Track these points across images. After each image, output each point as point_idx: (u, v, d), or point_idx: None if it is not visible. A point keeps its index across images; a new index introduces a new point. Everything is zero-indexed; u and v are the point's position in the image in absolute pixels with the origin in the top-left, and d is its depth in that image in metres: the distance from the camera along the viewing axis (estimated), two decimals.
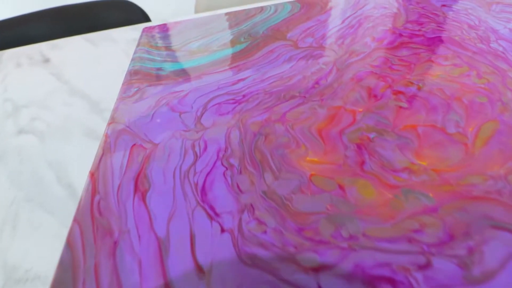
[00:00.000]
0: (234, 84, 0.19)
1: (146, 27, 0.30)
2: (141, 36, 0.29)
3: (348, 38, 0.22)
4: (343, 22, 0.25)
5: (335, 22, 0.25)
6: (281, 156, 0.14)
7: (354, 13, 0.26)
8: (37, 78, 0.35)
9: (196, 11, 0.54)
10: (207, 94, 0.18)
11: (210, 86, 0.19)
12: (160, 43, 0.26)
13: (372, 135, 0.14)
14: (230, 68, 0.20)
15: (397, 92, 0.16)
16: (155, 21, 0.46)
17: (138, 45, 0.26)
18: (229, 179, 0.13)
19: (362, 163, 0.13)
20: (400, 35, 0.21)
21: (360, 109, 0.16)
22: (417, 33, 0.22)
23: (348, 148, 0.13)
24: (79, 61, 0.37)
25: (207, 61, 0.22)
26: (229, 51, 0.22)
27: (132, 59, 0.24)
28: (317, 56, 0.20)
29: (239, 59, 0.21)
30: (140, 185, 0.13)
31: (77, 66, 0.36)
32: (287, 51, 0.21)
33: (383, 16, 0.26)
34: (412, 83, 0.17)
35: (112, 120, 0.17)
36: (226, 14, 0.30)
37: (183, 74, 0.20)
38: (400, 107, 0.15)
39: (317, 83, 0.18)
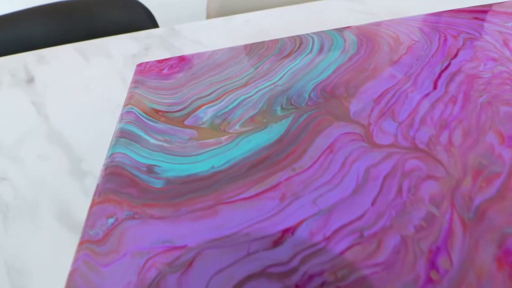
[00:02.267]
0: (277, 244, 0.10)
1: (140, 65, 0.23)
2: (133, 78, 0.22)
3: (456, 128, 0.13)
4: (435, 85, 0.16)
5: (421, 83, 0.16)
6: None
7: (447, 67, 0.17)
8: (16, 108, 0.29)
9: (208, 16, 0.47)
10: (226, 268, 0.10)
11: (233, 248, 0.10)
12: (155, 103, 0.17)
13: None
14: (264, 194, 0.12)
15: None
16: (162, 24, 0.39)
17: (127, 101, 0.18)
18: None
19: None
20: None
21: None
22: None
23: None
24: (66, 84, 0.31)
25: (222, 163, 0.13)
26: (255, 144, 0.14)
27: (120, 120, 0.17)
28: (415, 178, 0.11)
29: (273, 168, 0.13)
30: None
31: (62, 92, 0.30)
32: (357, 154, 0.13)
33: (498, 77, 0.16)
34: None
35: None
36: (247, 48, 0.23)
37: (184, 196, 0.12)
38: None
39: (432, 264, 0.09)
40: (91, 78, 0.32)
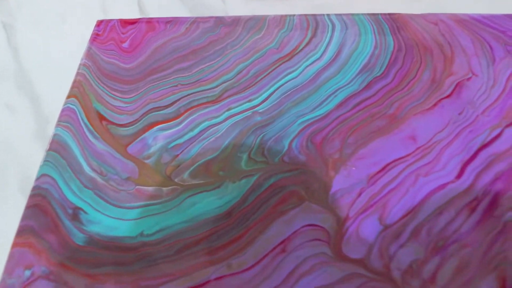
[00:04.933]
0: None
1: (99, 24, 0.16)
2: (87, 47, 0.16)
3: (454, 256, 0.10)
4: (461, 171, 0.11)
5: (446, 161, 0.11)
6: None
7: (492, 141, 0.12)
8: None
9: None
10: None
11: None
12: (102, 104, 0.14)
13: None
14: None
15: None
16: None
17: (72, 88, 0.14)
18: None
19: None
20: None
21: None
22: None
23: None
24: (42, 9, 0.25)
25: (154, 232, 0.11)
26: (199, 211, 0.11)
27: (59, 118, 0.14)
28: None
29: (207, 257, 0.10)
30: None
31: (37, 21, 0.25)
32: (311, 265, 0.10)
33: None
34: None
35: None
36: (237, 26, 0.15)
37: (102, 267, 0.10)
38: None
39: None
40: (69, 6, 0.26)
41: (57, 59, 0.24)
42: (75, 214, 0.13)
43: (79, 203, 0.13)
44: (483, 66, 0.15)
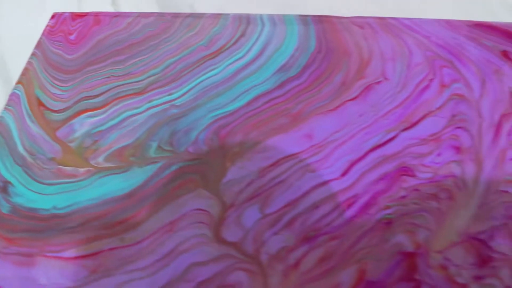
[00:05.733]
0: None
1: (53, 17, 0.18)
2: (39, 38, 0.17)
3: (321, 246, 0.11)
4: (346, 170, 0.12)
5: (335, 159, 0.13)
6: None
7: (385, 143, 0.13)
8: None
9: None
10: None
11: None
12: (43, 91, 0.15)
13: None
14: (80, 261, 0.11)
15: None
16: None
17: (21, 75, 0.16)
18: None
19: None
20: None
21: None
22: None
23: None
24: None
25: (65, 206, 0.12)
26: (107, 190, 0.13)
27: (8, 101, 0.15)
28: None
29: (105, 230, 0.12)
30: None
31: (14, 11, 0.26)
32: (191, 244, 0.12)
33: (434, 184, 0.12)
34: None
35: None
36: (175, 23, 0.16)
37: (17, 233, 0.12)
38: None
39: None
40: None
41: (29, 47, 0.26)
42: (5, 187, 0.14)
43: (10, 178, 0.15)
44: (397, 71, 0.16)
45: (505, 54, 0.16)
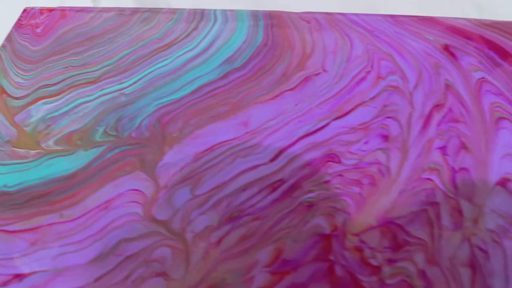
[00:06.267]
0: None
1: (25, 11, 0.19)
2: (10, 31, 0.18)
3: (243, 226, 0.12)
4: (275, 157, 0.13)
5: (267, 145, 0.13)
6: None
7: (317, 131, 0.13)
8: None
9: None
10: None
11: None
12: (7, 79, 0.16)
13: None
14: (22, 234, 0.12)
15: None
16: None
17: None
18: None
19: None
20: None
21: None
22: None
23: None
24: None
25: (14, 184, 0.13)
26: (54, 171, 0.13)
27: None
28: (151, 269, 0.12)
29: (47, 207, 0.13)
30: None
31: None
32: (122, 222, 0.13)
33: (359, 171, 0.13)
34: None
35: None
36: (133, 17, 0.17)
37: None
38: None
39: None
40: None
41: None
42: None
43: None
44: (336, 63, 0.16)
45: (446, 48, 0.17)
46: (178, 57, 0.17)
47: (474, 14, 0.23)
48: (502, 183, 0.13)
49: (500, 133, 0.14)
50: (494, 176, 0.13)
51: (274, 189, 0.14)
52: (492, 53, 0.16)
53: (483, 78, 0.16)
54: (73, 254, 0.13)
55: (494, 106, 0.15)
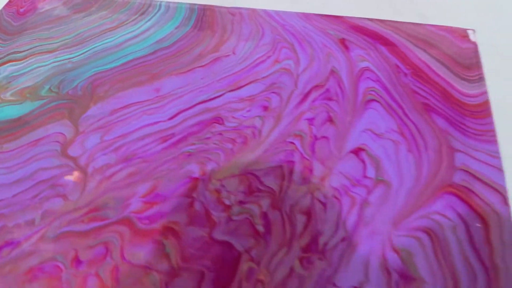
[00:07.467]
0: None
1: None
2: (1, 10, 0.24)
3: (131, 166, 0.15)
4: (171, 117, 0.16)
5: (170, 108, 0.16)
6: None
7: (212, 99, 0.16)
8: None
9: None
10: None
11: None
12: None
13: None
14: None
15: None
16: None
17: None
18: None
19: None
20: None
21: None
22: None
23: None
24: None
25: None
26: (2, 116, 0.17)
27: None
28: (55, 191, 0.14)
29: None
30: None
31: None
32: (44, 156, 0.16)
33: (235, 131, 0.15)
34: None
35: None
36: (97, 2, 0.21)
37: None
38: None
39: None
40: None
41: None
42: None
43: None
44: (246, 48, 0.19)
45: (342, 41, 0.19)
46: (120, 36, 0.21)
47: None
48: (355, 151, 0.15)
49: (367, 112, 0.17)
50: (350, 145, 0.16)
51: (165, 140, 0.16)
52: (381, 47, 0.19)
53: (367, 67, 0.18)
54: (2, 176, 0.16)
55: (369, 90, 0.17)
